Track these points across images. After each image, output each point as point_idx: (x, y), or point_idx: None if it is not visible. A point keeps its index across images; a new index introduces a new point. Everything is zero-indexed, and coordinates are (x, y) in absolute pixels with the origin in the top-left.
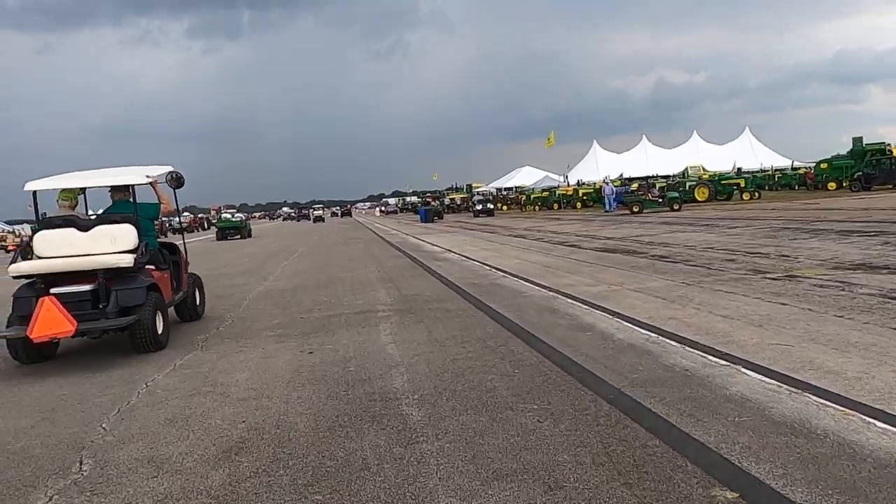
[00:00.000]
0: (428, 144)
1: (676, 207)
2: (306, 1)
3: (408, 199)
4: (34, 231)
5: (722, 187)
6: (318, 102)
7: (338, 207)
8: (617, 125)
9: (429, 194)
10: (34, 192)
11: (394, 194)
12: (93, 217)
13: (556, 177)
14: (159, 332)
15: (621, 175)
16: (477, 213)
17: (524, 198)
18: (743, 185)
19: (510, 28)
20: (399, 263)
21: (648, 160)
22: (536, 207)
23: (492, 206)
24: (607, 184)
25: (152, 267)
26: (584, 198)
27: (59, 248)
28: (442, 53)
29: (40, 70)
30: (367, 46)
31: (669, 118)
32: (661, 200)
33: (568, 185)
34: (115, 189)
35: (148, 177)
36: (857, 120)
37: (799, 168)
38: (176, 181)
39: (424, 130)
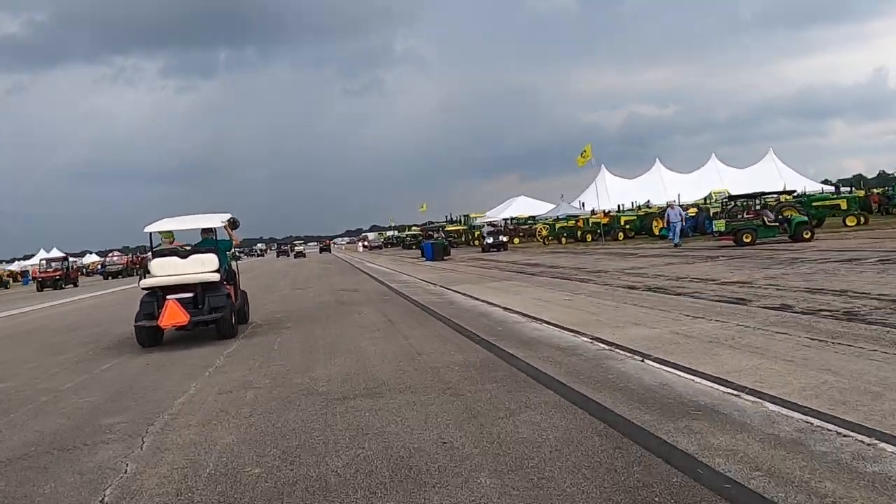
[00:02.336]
0: (405, 180)
1: (807, 236)
2: (281, 42)
3: (388, 233)
4: (151, 258)
5: (815, 210)
6: (294, 140)
7: (316, 243)
8: (598, 157)
9: (430, 225)
10: (150, 234)
11: (372, 229)
12: (188, 248)
13: (573, 205)
14: (234, 324)
15: (646, 202)
16: (487, 248)
17: (544, 229)
18: (845, 206)
19: (483, 66)
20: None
21: (665, 185)
22: (563, 239)
23: (505, 239)
24: (673, 207)
25: (227, 283)
26: (627, 226)
27: (167, 270)
28: (417, 91)
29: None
30: (343, 85)
31: (638, 151)
32: (777, 226)
33: (604, 213)
34: (203, 230)
35: (222, 222)
36: (823, 153)
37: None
38: (232, 224)
39: (401, 166)
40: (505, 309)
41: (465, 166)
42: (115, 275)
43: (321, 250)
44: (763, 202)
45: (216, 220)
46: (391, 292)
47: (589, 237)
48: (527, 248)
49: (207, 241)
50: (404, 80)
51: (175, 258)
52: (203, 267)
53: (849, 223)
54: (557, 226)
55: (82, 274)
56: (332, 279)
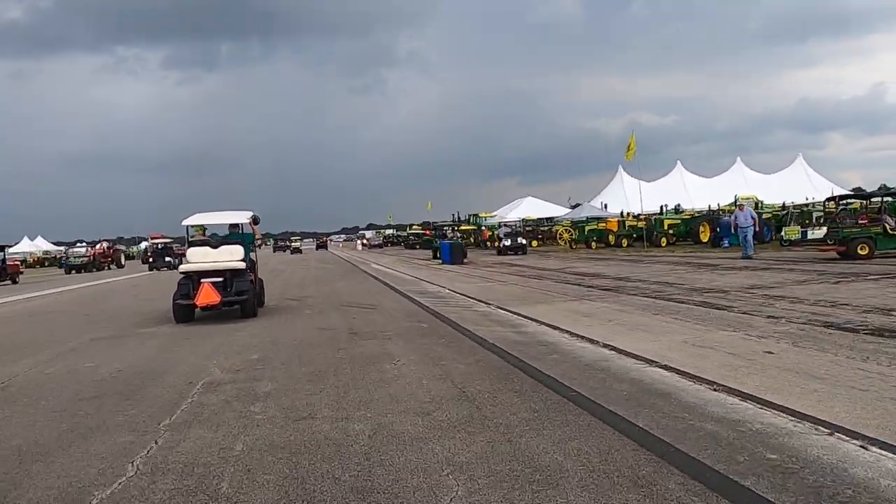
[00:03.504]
0: (403, 180)
1: None
2: (284, 38)
3: (387, 231)
4: (188, 247)
5: None
6: (294, 135)
7: (312, 239)
8: (592, 165)
9: (442, 223)
10: (187, 227)
11: (369, 227)
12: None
13: (594, 205)
14: (255, 305)
15: (676, 206)
16: (504, 251)
17: (565, 231)
18: None
19: (486, 70)
20: None
21: (687, 189)
22: (593, 244)
23: (524, 242)
24: (743, 208)
25: (249, 271)
26: (671, 231)
27: (200, 258)
28: (419, 93)
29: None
30: (345, 83)
31: (644, 159)
32: None
33: (640, 216)
34: (231, 225)
35: (247, 218)
36: (822, 165)
37: None
38: (254, 220)
39: (400, 166)
40: (693, 378)
41: (464, 168)
42: (78, 269)
43: (318, 247)
44: (883, 205)
45: (242, 217)
46: (426, 314)
47: (625, 242)
48: (550, 251)
49: (235, 235)
50: (406, 81)
51: (207, 248)
52: (231, 256)
53: None
54: (587, 228)
55: (42, 265)
56: (336, 285)
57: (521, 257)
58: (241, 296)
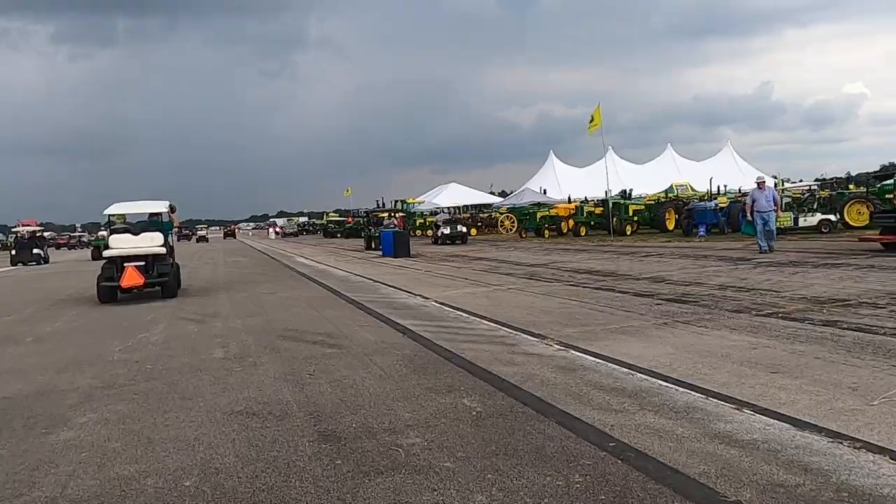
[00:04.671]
0: (316, 167)
1: None
2: (188, 15)
3: (301, 219)
4: (110, 234)
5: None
6: (199, 119)
7: (219, 228)
8: (509, 153)
9: (381, 210)
10: (109, 216)
11: (279, 215)
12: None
13: (534, 189)
14: (175, 287)
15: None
16: (442, 240)
17: (507, 219)
18: None
19: (401, 58)
20: None
21: (619, 175)
22: (546, 232)
23: (465, 230)
24: (763, 188)
25: (169, 255)
26: (635, 218)
27: (123, 243)
28: (332, 78)
29: None
30: (255, 65)
31: (551, 147)
32: None
33: (598, 202)
34: (151, 213)
35: (165, 207)
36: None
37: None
38: (171, 209)
39: (312, 153)
40: None
41: (378, 156)
42: None
43: (225, 235)
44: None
45: (161, 206)
46: (446, 363)
47: (584, 230)
48: (498, 241)
49: (155, 223)
50: (318, 66)
51: (129, 234)
52: (152, 242)
53: None
54: (539, 215)
55: None
56: (258, 291)
57: (475, 248)
58: (163, 278)
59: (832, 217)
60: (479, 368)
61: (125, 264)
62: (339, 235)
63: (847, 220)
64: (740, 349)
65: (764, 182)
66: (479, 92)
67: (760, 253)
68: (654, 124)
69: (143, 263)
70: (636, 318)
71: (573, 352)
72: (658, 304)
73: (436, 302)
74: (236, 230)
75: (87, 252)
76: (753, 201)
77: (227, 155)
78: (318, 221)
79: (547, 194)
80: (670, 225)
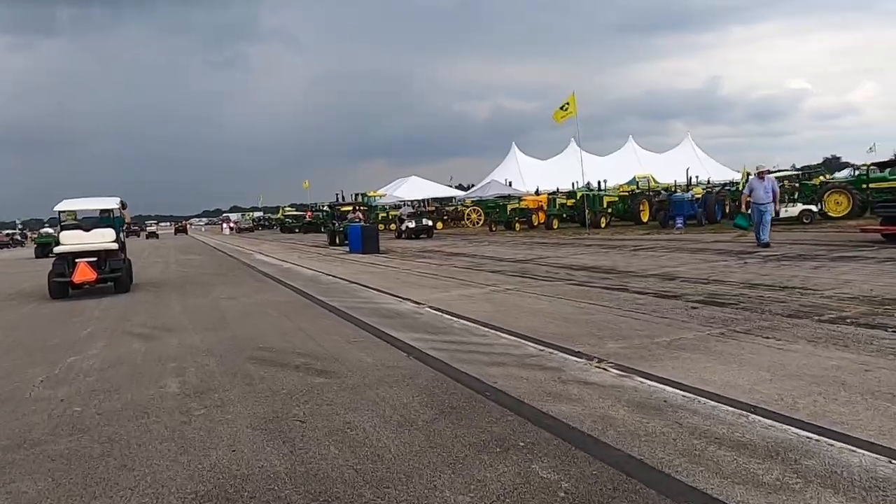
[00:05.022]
0: (271, 161)
1: None
2: (131, 3)
3: (255, 214)
4: (60, 231)
5: (875, 195)
6: (147, 111)
7: (170, 223)
8: (466, 146)
9: (344, 203)
10: (59, 212)
11: (232, 210)
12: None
13: (500, 181)
14: (128, 282)
15: (588, 184)
16: (407, 234)
17: (474, 212)
18: None
19: (356, 50)
20: None
21: (583, 167)
22: (517, 225)
23: (430, 224)
24: (763, 176)
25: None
26: (609, 210)
27: (74, 240)
28: (286, 69)
29: None
30: (203, 56)
31: (507, 141)
32: None
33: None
34: (102, 210)
35: (116, 204)
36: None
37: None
38: (122, 205)
39: (267, 147)
40: None
41: (333, 149)
42: None
43: (176, 231)
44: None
45: (112, 202)
46: (489, 403)
47: (556, 222)
48: (467, 235)
49: (106, 219)
50: (270, 58)
51: (80, 231)
52: (104, 238)
53: None
54: (509, 207)
55: None
56: (215, 295)
57: (446, 243)
58: (116, 273)
59: (813, 207)
60: (530, 408)
61: (77, 260)
62: (297, 231)
63: (826, 210)
64: (850, 372)
65: (765, 171)
66: (435, 85)
67: (758, 246)
68: (608, 118)
69: (94, 259)
70: (682, 328)
71: (639, 378)
72: (694, 308)
73: (430, 308)
74: (188, 226)
75: (25, 251)
76: (751, 191)
77: (178, 149)
78: (275, 216)
79: (512, 186)
80: (644, 217)
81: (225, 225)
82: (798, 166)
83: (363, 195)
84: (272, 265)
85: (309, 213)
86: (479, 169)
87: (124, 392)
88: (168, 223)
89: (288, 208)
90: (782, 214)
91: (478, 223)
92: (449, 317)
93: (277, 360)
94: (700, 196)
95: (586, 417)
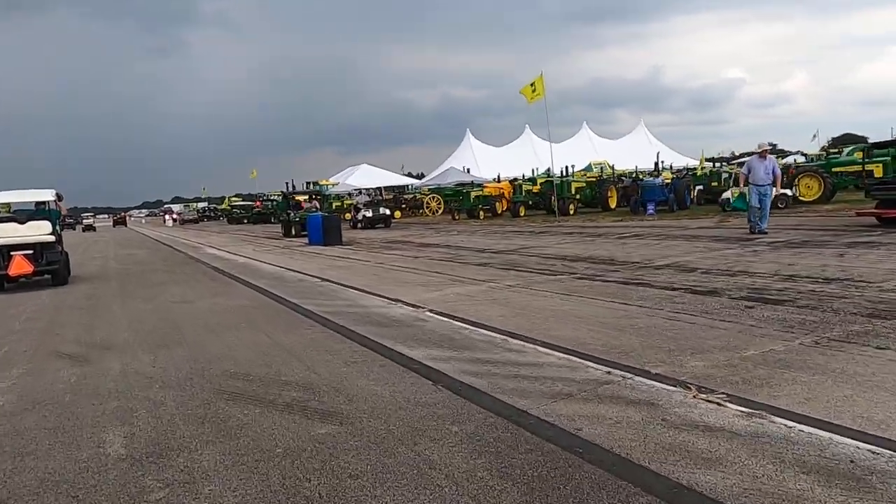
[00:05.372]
0: (213, 149)
1: None
2: None
3: (200, 205)
4: None
5: (839, 179)
6: (81, 100)
7: (108, 215)
8: (415, 134)
9: (303, 192)
10: None
11: (174, 201)
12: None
13: (458, 168)
14: (65, 275)
15: (547, 170)
16: (364, 224)
17: (433, 200)
18: None
19: (300, 37)
20: None
21: (536, 153)
22: (481, 213)
23: (388, 213)
24: (764, 156)
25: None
26: (577, 196)
27: (9, 232)
28: (226, 58)
29: None
30: (141, 42)
31: (456, 129)
32: None
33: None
34: (37, 202)
35: (52, 196)
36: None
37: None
38: (58, 197)
39: (209, 135)
40: None
41: (279, 138)
42: None
43: (115, 223)
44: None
45: (47, 195)
46: None
47: (523, 210)
48: (426, 223)
49: (41, 211)
50: (212, 44)
51: (15, 224)
52: (40, 230)
53: None
54: (473, 195)
55: None
56: (164, 299)
57: (411, 233)
58: (53, 266)
59: (788, 192)
60: (656, 478)
61: (12, 253)
62: (246, 221)
63: (801, 195)
64: None
65: (767, 150)
66: (382, 72)
67: (754, 233)
68: (554, 106)
69: (31, 252)
70: (760, 335)
71: (779, 420)
72: (749, 308)
73: (432, 312)
74: (127, 218)
75: None
76: (749, 171)
77: (115, 138)
78: (220, 207)
79: (470, 173)
80: (612, 203)
81: (168, 216)
82: (737, 153)
83: (315, 184)
84: (226, 260)
85: (258, 203)
86: (430, 157)
87: (42, 457)
88: (106, 215)
89: (234, 198)
90: None
91: (437, 211)
92: (460, 324)
93: (259, 395)
94: (670, 181)
95: (764, 499)
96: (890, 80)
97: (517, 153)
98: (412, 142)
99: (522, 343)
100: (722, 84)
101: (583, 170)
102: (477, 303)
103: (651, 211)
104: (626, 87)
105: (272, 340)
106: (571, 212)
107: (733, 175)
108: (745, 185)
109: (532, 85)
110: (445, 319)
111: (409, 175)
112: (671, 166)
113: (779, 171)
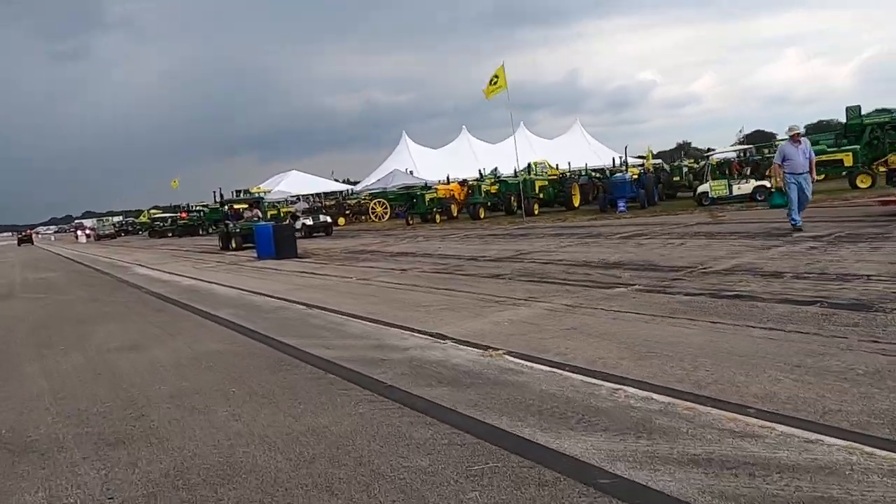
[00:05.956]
0: (125, 161)
1: None
2: None
3: (115, 219)
4: None
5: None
6: None
7: (12, 233)
8: (329, 140)
9: (242, 199)
10: None
11: (86, 215)
12: None
13: (402, 170)
14: None
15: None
16: (303, 232)
17: (379, 205)
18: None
19: (216, 42)
20: None
21: (475, 154)
22: (436, 217)
23: (329, 220)
24: (798, 139)
25: None
26: (541, 195)
27: None
28: (138, 63)
29: None
30: (42, 46)
31: (378, 133)
32: None
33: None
34: None
35: None
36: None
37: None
38: None
39: (120, 146)
40: None
41: (196, 148)
42: None
43: (20, 242)
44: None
45: None
46: None
47: (483, 212)
48: (378, 230)
49: None
50: (121, 49)
51: None
52: None
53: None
54: (427, 197)
55: None
56: (97, 339)
57: (371, 240)
58: None
59: (767, 183)
60: None
61: None
62: (170, 234)
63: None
64: None
65: (799, 133)
66: (303, 77)
67: (796, 227)
68: (475, 109)
69: None
70: None
71: None
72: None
73: (511, 355)
74: (34, 235)
75: None
76: (784, 159)
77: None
78: (139, 220)
79: (413, 175)
80: (576, 201)
81: (80, 232)
82: (655, 152)
83: (246, 191)
84: (166, 282)
85: (183, 214)
86: (358, 162)
87: None
88: (10, 233)
89: (153, 210)
90: (735, 192)
91: (383, 217)
92: (581, 377)
93: None
94: (637, 177)
95: None
96: (788, 79)
97: (455, 154)
98: (336, 147)
99: (719, 413)
100: (636, 86)
101: (523, 170)
102: (558, 336)
103: (623, 208)
104: (547, 90)
105: (299, 424)
106: (536, 212)
107: (708, 167)
108: (780, 178)
109: (492, 80)
110: (545, 368)
111: (340, 181)
112: (623, 162)
113: (814, 156)
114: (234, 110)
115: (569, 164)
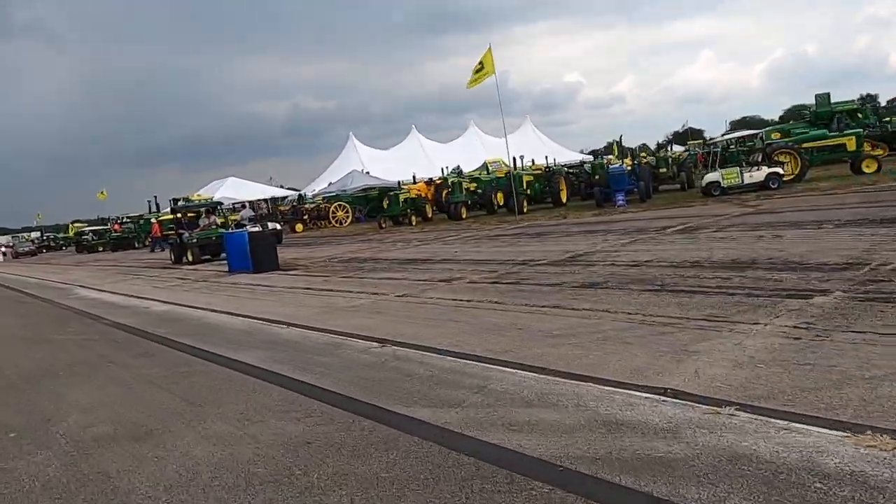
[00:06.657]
0: (37, 174)
1: None
2: None
3: (33, 234)
4: None
5: (814, 155)
6: None
7: None
8: (259, 147)
9: (198, 205)
10: None
11: None
12: None
13: (359, 170)
14: None
15: (457, 167)
16: None
17: (340, 209)
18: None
19: (131, 47)
20: None
21: (427, 154)
22: (412, 218)
23: (278, 227)
24: None
25: None
26: (528, 191)
27: None
28: (46, 71)
29: None
30: None
31: (310, 139)
32: None
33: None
34: None
35: None
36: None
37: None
38: None
39: (31, 158)
40: None
41: (117, 158)
42: None
43: None
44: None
45: None
46: None
47: (464, 211)
48: (342, 235)
49: None
50: (27, 56)
51: None
52: None
53: (867, 169)
54: (402, 198)
55: None
56: (63, 413)
57: (349, 247)
58: None
59: (780, 170)
60: None
61: None
62: (101, 249)
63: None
64: None
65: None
66: (227, 85)
67: None
68: (405, 113)
69: None
70: None
71: None
72: None
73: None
74: None
75: None
76: None
77: None
78: (63, 235)
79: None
80: (564, 196)
81: None
82: (587, 151)
83: (186, 199)
84: (128, 308)
85: (116, 227)
86: (292, 167)
87: None
88: None
89: (77, 224)
90: (746, 180)
91: (345, 221)
92: None
93: None
94: (630, 168)
95: None
96: (703, 80)
97: (406, 154)
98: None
99: None
100: (563, 88)
101: (477, 168)
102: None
103: (622, 202)
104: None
105: None
106: (526, 209)
107: (717, 154)
108: None
109: (477, 69)
110: None
111: (285, 187)
112: (594, 154)
113: None
114: (157, 118)
115: (523, 159)
